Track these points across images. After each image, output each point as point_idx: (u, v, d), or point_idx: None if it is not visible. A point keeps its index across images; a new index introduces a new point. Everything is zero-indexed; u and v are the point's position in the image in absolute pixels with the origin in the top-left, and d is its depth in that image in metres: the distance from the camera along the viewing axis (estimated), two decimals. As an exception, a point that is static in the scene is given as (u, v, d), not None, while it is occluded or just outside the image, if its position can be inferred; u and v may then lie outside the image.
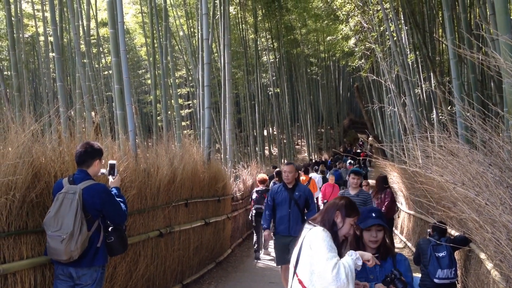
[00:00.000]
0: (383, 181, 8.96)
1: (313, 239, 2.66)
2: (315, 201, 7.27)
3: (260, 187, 9.63)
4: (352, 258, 2.56)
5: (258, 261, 9.13)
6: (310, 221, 2.88)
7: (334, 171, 20.00)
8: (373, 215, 3.02)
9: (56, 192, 3.57)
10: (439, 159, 3.84)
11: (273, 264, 8.69)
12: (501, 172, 2.87)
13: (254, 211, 9.37)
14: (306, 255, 2.68)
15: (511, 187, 2.73)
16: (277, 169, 14.69)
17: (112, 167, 3.92)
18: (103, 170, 3.86)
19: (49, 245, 3.44)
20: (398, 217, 9.81)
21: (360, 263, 2.59)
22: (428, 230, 5.64)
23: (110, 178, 3.92)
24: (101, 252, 3.62)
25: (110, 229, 3.72)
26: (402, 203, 11.31)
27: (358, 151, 28.75)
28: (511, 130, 3.93)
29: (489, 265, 3.96)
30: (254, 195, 9.53)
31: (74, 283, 3.54)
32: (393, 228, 10.24)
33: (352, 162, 22.76)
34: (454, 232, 5.69)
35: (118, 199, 3.74)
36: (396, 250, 3.27)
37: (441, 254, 5.03)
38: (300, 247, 2.76)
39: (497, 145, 3.06)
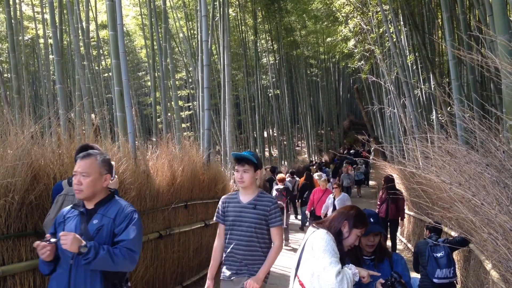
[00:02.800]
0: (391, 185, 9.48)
1: (316, 241, 2.64)
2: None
3: (280, 186, 10.79)
4: (352, 271, 2.56)
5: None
6: (314, 224, 2.85)
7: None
8: (371, 220, 3.02)
9: (55, 194, 3.57)
10: (437, 160, 3.85)
11: (277, 267, 8.70)
12: (498, 173, 2.88)
13: None
14: (308, 257, 2.66)
15: (508, 187, 2.74)
16: (293, 170, 14.80)
17: None
18: None
19: None
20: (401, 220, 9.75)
21: (357, 279, 2.58)
22: (425, 231, 5.65)
23: None
24: None
25: None
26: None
27: (361, 149, 28.71)
28: (509, 131, 3.94)
29: (488, 266, 3.97)
30: (274, 193, 10.69)
31: None
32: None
33: (361, 163, 21.87)
34: (453, 233, 5.70)
35: None
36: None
37: (439, 254, 5.05)
38: (302, 249, 2.74)
39: (494, 145, 3.06)
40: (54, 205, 3.48)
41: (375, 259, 3.00)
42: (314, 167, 21.37)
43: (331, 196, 9.56)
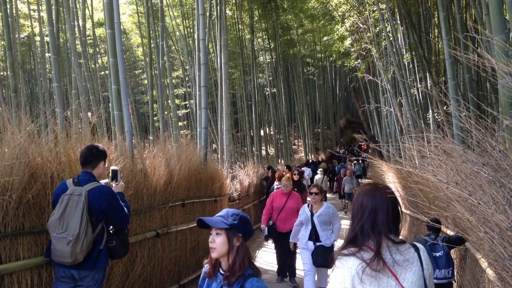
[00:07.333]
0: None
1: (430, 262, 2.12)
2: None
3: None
4: None
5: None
6: (393, 238, 2.05)
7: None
8: None
9: (59, 193, 3.56)
10: (434, 159, 3.87)
11: (270, 265, 8.72)
12: (494, 172, 2.90)
13: None
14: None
15: (504, 187, 2.76)
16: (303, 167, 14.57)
17: (114, 173, 3.90)
18: (105, 180, 3.85)
19: (54, 247, 3.43)
20: None
21: None
22: (426, 230, 5.66)
23: (113, 184, 3.90)
24: (103, 255, 3.62)
25: (112, 232, 3.72)
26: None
27: (361, 143, 28.73)
28: (505, 131, 3.96)
29: (484, 264, 3.99)
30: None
31: (75, 285, 3.54)
32: None
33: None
34: (450, 232, 5.72)
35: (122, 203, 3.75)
36: None
37: (438, 254, 5.05)
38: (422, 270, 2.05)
39: (490, 145, 3.08)
40: (59, 205, 3.47)
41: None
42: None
43: (306, 208, 6.03)
